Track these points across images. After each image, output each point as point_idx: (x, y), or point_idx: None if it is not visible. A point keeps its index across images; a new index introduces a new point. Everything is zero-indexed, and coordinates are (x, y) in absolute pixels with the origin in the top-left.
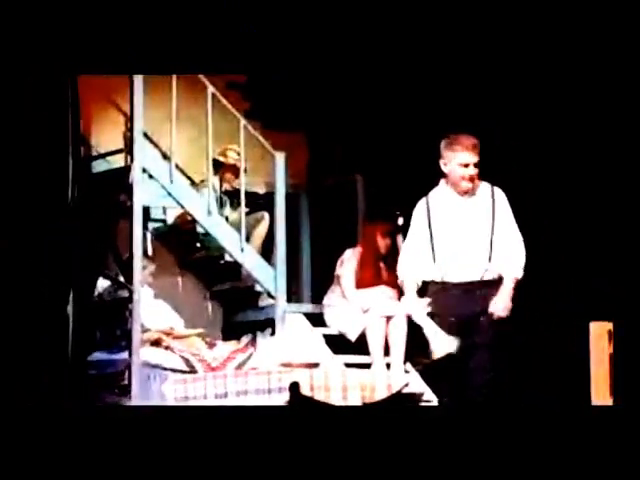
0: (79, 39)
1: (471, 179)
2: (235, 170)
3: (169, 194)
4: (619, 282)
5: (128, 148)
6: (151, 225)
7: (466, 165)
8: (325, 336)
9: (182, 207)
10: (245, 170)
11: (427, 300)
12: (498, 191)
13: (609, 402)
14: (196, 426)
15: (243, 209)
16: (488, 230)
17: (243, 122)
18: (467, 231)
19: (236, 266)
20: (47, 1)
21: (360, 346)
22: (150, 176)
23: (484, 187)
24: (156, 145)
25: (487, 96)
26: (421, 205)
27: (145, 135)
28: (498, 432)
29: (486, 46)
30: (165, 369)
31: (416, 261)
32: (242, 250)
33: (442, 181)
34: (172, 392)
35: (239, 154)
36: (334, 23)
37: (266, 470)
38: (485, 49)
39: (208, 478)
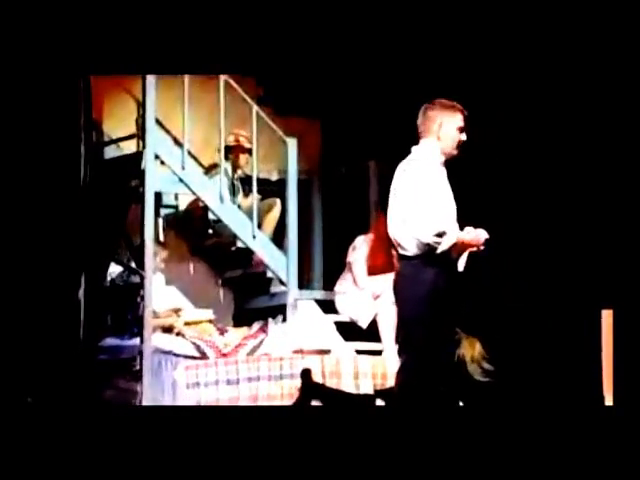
0: (92, 40)
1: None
2: (247, 151)
3: (181, 180)
4: (623, 270)
5: (140, 134)
6: (163, 211)
7: (462, 130)
8: (336, 323)
9: (194, 193)
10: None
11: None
12: None
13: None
14: (203, 424)
15: (255, 196)
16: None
17: (255, 108)
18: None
19: (248, 253)
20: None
21: (371, 333)
22: (162, 162)
23: None
24: (168, 131)
25: (496, 91)
26: (433, 167)
27: (157, 121)
28: (505, 425)
29: (497, 41)
30: (176, 355)
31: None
32: (254, 237)
33: (428, 145)
34: (184, 378)
35: (249, 138)
36: (348, 9)
37: (276, 463)
38: (496, 44)
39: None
